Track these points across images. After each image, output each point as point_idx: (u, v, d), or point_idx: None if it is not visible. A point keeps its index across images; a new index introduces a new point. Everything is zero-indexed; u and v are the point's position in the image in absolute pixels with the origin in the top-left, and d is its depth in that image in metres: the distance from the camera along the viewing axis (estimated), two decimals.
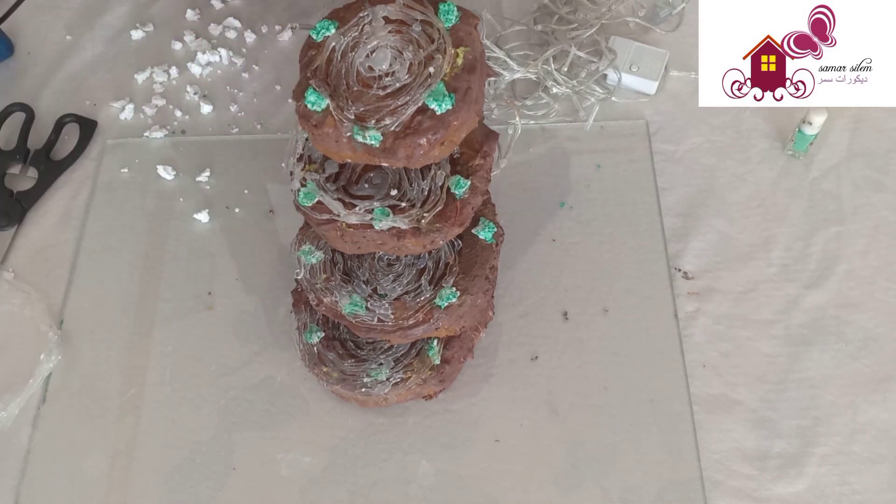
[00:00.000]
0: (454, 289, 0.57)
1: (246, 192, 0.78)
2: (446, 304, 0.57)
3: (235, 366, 0.69)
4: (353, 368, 0.62)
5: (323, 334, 0.63)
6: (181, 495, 0.63)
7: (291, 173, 0.55)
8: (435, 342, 0.62)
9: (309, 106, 0.48)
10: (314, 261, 0.59)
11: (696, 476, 0.61)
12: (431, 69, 0.47)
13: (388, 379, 0.61)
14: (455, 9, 0.49)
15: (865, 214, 0.71)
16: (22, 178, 0.80)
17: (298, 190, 0.54)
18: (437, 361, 0.62)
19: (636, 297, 0.69)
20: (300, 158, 0.55)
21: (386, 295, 0.58)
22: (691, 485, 0.61)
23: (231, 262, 0.74)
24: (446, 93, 0.47)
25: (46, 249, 0.76)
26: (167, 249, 0.75)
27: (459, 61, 0.48)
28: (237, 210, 0.76)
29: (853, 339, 0.66)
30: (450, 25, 0.49)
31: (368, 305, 0.57)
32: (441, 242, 0.54)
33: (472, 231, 0.59)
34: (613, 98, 0.79)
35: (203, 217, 0.76)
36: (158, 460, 0.65)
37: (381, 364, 0.62)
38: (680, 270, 0.70)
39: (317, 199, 0.53)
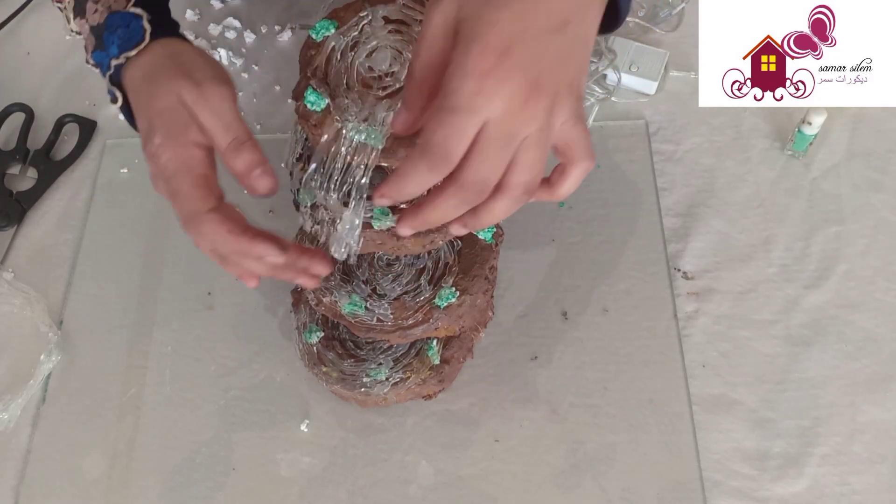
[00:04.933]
0: (454, 289, 0.57)
1: (246, 192, 0.77)
2: (445, 304, 0.57)
3: (235, 366, 0.69)
4: (352, 368, 0.61)
5: (322, 334, 0.63)
6: (181, 495, 0.63)
7: (291, 173, 0.55)
8: (434, 342, 0.62)
9: (308, 106, 0.48)
10: None
11: (696, 476, 0.61)
12: None
13: (387, 379, 0.61)
14: None
15: (865, 214, 0.71)
16: (22, 178, 0.80)
17: (297, 189, 0.54)
18: (437, 361, 0.62)
19: (636, 297, 0.69)
20: (300, 158, 0.55)
21: (385, 295, 0.58)
22: (691, 485, 0.61)
23: None
24: None
25: (46, 249, 0.76)
26: (167, 249, 0.75)
27: None
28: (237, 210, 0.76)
29: (853, 339, 0.66)
30: None
31: (367, 305, 0.57)
32: (440, 242, 0.54)
33: (473, 232, 0.59)
34: (613, 98, 0.79)
35: None
36: (158, 460, 0.65)
37: (381, 364, 0.62)
38: (680, 270, 0.70)
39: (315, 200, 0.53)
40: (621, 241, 0.71)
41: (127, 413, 0.67)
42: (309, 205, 0.53)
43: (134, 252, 0.75)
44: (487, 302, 0.65)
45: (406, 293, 0.58)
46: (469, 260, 0.59)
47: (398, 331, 0.57)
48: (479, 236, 0.59)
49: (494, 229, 0.59)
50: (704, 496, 0.60)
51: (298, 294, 0.65)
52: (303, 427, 0.65)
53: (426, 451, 0.64)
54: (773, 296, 0.68)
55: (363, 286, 0.58)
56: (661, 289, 0.69)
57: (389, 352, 0.62)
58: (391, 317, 0.57)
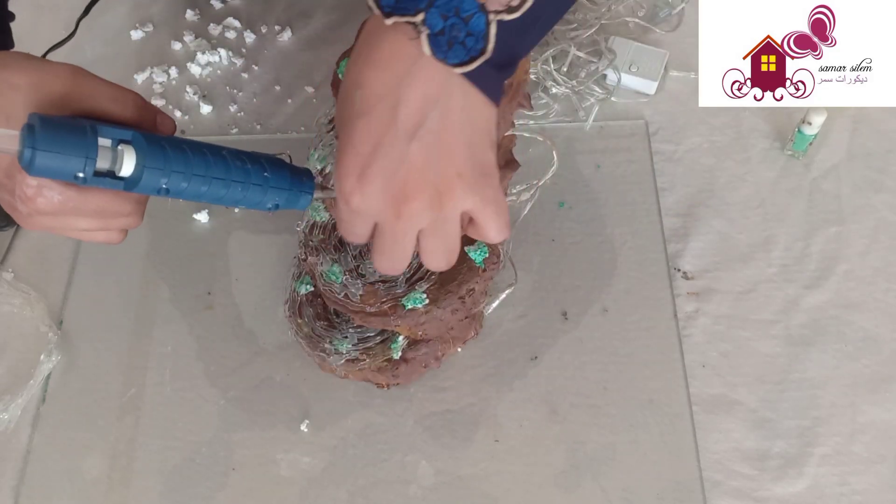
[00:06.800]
0: (424, 295, 0.57)
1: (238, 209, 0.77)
2: (411, 307, 0.57)
3: (235, 366, 0.69)
4: (321, 330, 0.62)
5: (312, 289, 0.64)
6: (181, 495, 0.63)
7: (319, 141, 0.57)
8: (400, 337, 0.62)
9: (340, 75, 0.50)
10: (318, 219, 0.60)
11: (696, 476, 0.61)
12: None
13: (346, 352, 0.61)
14: None
15: (865, 214, 0.71)
16: None
17: (313, 150, 0.56)
18: (396, 356, 0.62)
19: (636, 297, 0.69)
20: (331, 121, 0.56)
21: (365, 276, 0.58)
22: (691, 485, 0.61)
23: (231, 262, 0.74)
24: None
25: (46, 249, 0.76)
26: (167, 249, 0.75)
27: None
28: (237, 210, 0.76)
29: (853, 339, 0.66)
30: None
31: (345, 280, 0.57)
32: None
33: (465, 249, 0.59)
34: (613, 98, 0.79)
35: (203, 217, 0.76)
36: (158, 460, 0.65)
37: (346, 337, 0.62)
38: (680, 270, 0.70)
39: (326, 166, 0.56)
40: (621, 242, 0.71)
41: (127, 413, 0.67)
42: (319, 168, 0.55)
43: (134, 252, 0.75)
44: (462, 321, 0.63)
45: (383, 282, 0.58)
46: (450, 275, 0.58)
47: (360, 313, 0.58)
48: (470, 255, 0.59)
49: (487, 254, 0.59)
50: (704, 496, 0.60)
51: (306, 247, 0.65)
52: (303, 427, 0.65)
53: (426, 451, 0.64)
54: (773, 296, 0.68)
55: (350, 260, 0.59)
56: (660, 289, 0.69)
57: (359, 330, 0.63)
58: (359, 298, 0.57)
